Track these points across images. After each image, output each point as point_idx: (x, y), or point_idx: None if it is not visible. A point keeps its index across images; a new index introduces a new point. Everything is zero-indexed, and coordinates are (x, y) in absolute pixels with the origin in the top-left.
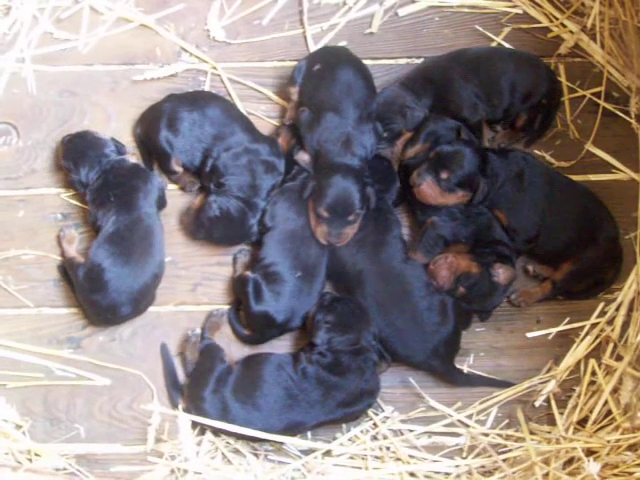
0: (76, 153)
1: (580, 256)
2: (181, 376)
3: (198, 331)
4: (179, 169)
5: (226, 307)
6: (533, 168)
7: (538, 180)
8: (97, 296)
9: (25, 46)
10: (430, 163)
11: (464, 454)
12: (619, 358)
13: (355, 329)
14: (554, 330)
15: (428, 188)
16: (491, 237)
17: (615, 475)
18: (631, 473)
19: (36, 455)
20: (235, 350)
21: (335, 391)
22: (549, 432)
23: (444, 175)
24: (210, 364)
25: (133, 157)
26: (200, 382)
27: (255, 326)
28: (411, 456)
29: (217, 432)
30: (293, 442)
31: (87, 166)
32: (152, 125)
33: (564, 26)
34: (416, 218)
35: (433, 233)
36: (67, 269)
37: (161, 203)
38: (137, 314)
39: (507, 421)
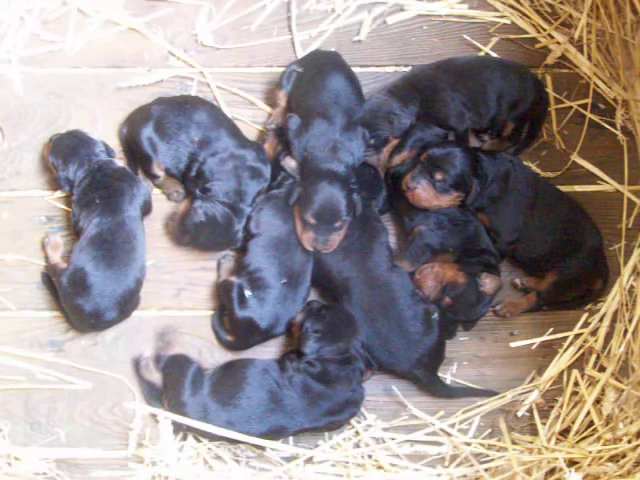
0: (67, 149)
1: (563, 266)
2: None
3: (147, 354)
4: (161, 173)
5: (170, 320)
6: (519, 171)
7: (523, 183)
8: (81, 300)
9: (12, 47)
10: (422, 166)
11: (446, 463)
12: (602, 369)
13: (344, 338)
14: (538, 340)
15: (423, 191)
16: (478, 246)
17: None
18: None
19: (16, 459)
20: (219, 356)
21: (322, 400)
22: (531, 442)
23: (439, 177)
24: (179, 373)
25: (120, 162)
26: (176, 391)
27: (239, 332)
28: (393, 464)
29: (199, 438)
30: (275, 447)
31: (77, 163)
32: (136, 127)
33: (552, 37)
34: (403, 226)
35: (420, 242)
36: (50, 275)
37: (146, 209)
38: (121, 319)
39: (489, 430)
